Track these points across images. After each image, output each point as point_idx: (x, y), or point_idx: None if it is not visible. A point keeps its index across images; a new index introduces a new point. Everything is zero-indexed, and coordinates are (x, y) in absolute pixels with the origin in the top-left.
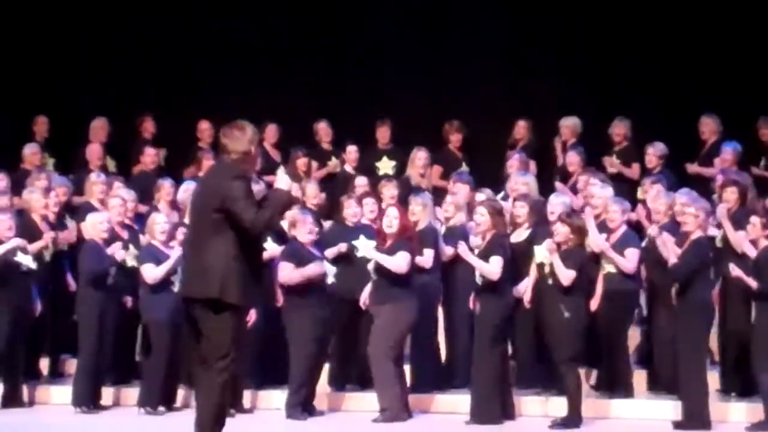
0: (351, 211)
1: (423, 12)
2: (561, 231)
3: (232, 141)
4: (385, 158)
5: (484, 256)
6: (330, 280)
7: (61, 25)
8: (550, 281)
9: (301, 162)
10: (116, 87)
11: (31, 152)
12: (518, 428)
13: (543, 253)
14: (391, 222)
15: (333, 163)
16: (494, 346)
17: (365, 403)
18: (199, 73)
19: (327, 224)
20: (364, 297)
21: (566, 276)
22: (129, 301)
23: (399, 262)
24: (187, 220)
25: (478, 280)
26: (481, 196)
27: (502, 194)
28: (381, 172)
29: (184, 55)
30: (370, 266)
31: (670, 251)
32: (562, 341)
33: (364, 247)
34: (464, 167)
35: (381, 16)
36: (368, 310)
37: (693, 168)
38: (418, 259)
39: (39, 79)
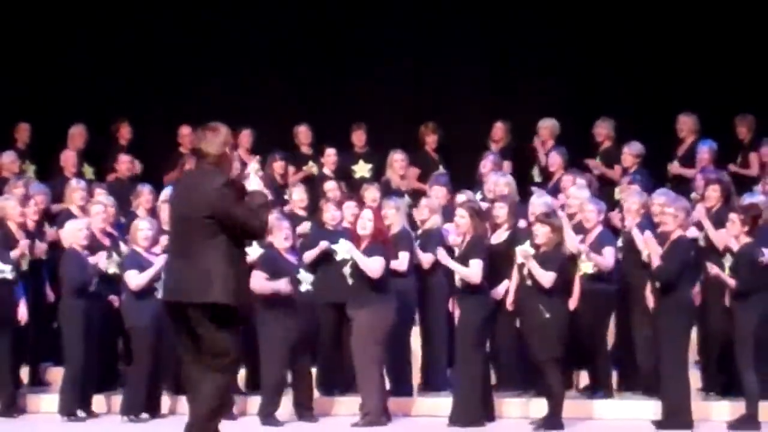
0: (329, 214)
1: (404, 14)
2: (541, 231)
3: (206, 144)
4: (361, 161)
5: (464, 258)
6: (305, 287)
7: (43, 31)
8: (529, 282)
9: (278, 165)
10: (95, 93)
11: (9, 160)
12: (499, 430)
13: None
14: (365, 224)
15: (309, 166)
16: (477, 349)
17: (350, 407)
18: (178, 77)
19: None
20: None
21: (546, 278)
22: (116, 300)
23: (373, 266)
24: (166, 226)
25: (458, 283)
26: (462, 197)
27: (479, 195)
28: (357, 176)
29: (163, 60)
30: (347, 270)
31: (653, 251)
32: (543, 342)
33: (344, 248)
34: (441, 169)
35: (361, 19)
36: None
37: (675, 168)
38: (394, 264)
39: (20, 85)
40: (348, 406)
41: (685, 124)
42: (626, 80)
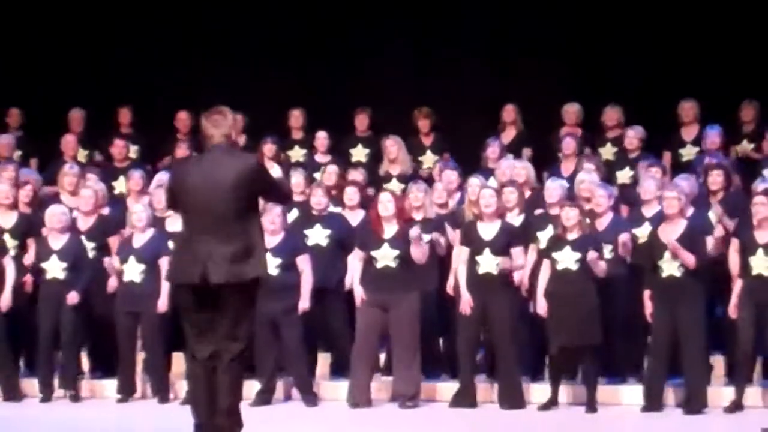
0: (316, 199)
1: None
2: (571, 215)
3: (215, 126)
4: (359, 146)
5: (507, 244)
6: (274, 272)
7: (37, 17)
8: (575, 267)
9: (268, 148)
10: (94, 77)
11: (5, 142)
12: (518, 416)
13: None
14: (386, 206)
15: (294, 152)
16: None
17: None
18: (172, 62)
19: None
20: (361, 291)
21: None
22: (71, 297)
23: (421, 254)
24: (159, 213)
25: (495, 270)
26: (475, 180)
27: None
28: (354, 159)
29: (157, 45)
30: (390, 254)
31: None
32: (592, 326)
33: (316, 236)
34: (428, 154)
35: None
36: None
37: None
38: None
39: (12, 69)
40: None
41: (692, 109)
42: (625, 65)
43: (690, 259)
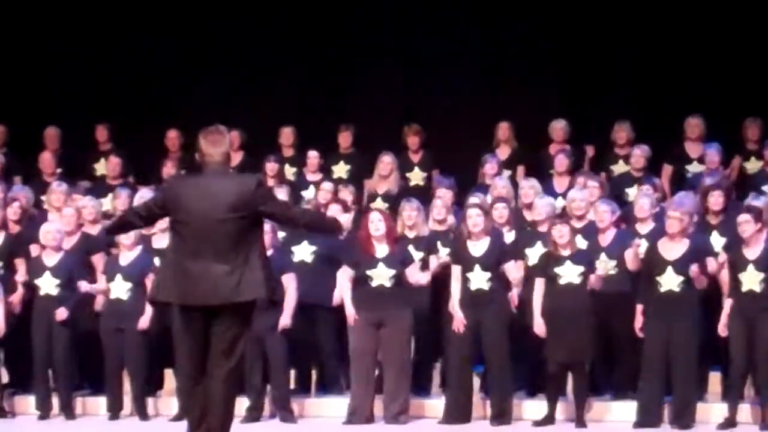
0: None
1: (394, 12)
2: (564, 232)
3: (213, 145)
4: (341, 162)
5: (498, 260)
6: None
7: (20, 32)
8: (578, 281)
9: (270, 167)
10: (77, 94)
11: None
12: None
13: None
14: (377, 226)
15: (288, 171)
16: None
17: (331, 408)
18: (162, 79)
19: None
20: (352, 310)
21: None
22: (59, 313)
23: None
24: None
25: (486, 285)
26: (475, 199)
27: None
28: (335, 176)
29: (146, 62)
30: (386, 274)
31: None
32: (590, 343)
33: (302, 252)
34: (416, 171)
35: (351, 18)
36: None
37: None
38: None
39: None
40: (330, 407)
41: (697, 126)
42: (620, 80)
43: (704, 283)
